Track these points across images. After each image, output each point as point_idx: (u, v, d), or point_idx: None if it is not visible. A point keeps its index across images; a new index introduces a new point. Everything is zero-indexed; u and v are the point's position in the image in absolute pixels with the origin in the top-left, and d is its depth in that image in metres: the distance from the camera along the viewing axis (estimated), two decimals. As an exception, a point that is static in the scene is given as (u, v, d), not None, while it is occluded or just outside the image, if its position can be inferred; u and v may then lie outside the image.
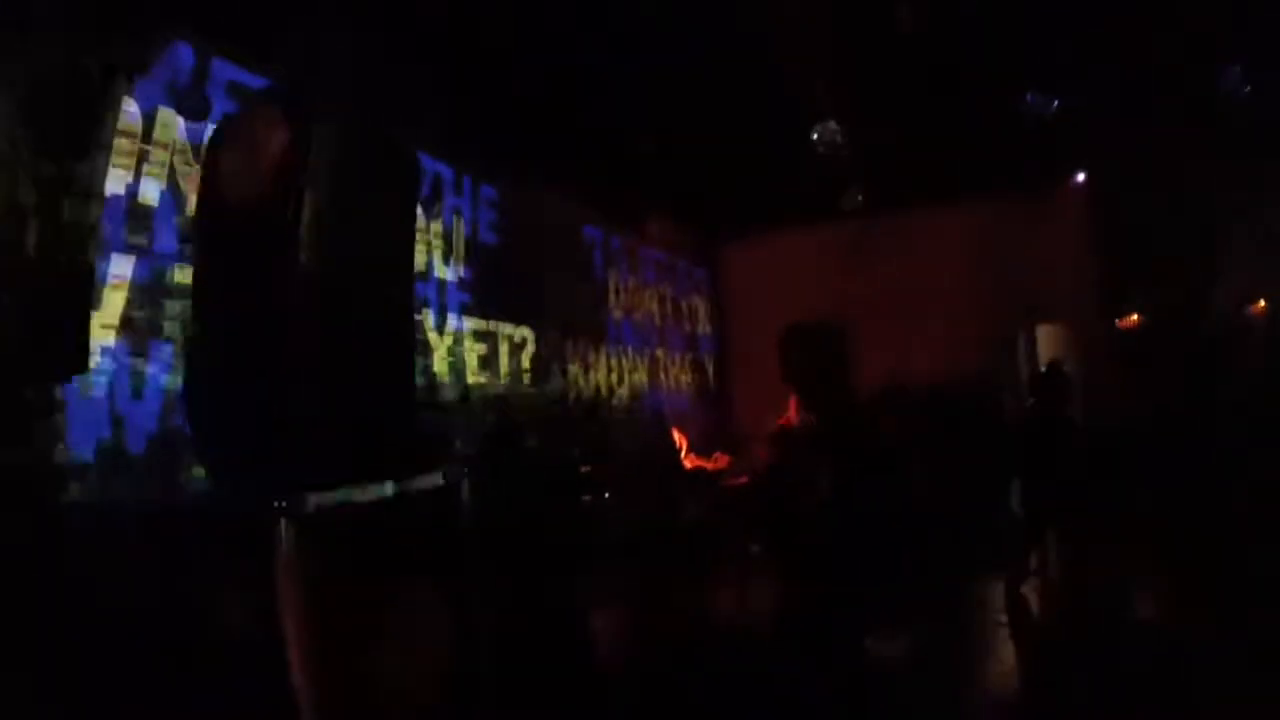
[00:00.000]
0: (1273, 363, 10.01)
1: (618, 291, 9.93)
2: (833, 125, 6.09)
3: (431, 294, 6.51)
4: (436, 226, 6.75)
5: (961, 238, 12.41)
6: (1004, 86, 9.21)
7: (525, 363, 7.61)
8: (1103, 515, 7.15)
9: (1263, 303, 11.08)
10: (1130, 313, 12.72)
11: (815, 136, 6.17)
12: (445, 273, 6.72)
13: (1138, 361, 11.34)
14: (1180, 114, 9.71)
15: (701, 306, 12.87)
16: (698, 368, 12.26)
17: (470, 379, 6.82)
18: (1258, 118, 9.03)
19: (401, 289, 2.82)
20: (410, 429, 2.95)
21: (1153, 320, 12.42)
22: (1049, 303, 12.70)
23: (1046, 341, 13.57)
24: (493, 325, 7.21)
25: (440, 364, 6.44)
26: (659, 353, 10.88)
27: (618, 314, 9.79)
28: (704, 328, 12.82)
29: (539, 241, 8.16)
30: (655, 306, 11.07)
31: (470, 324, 6.90)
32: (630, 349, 10.00)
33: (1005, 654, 5.83)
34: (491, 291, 7.21)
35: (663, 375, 10.90)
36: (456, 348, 6.67)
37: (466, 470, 3.88)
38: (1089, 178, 12.24)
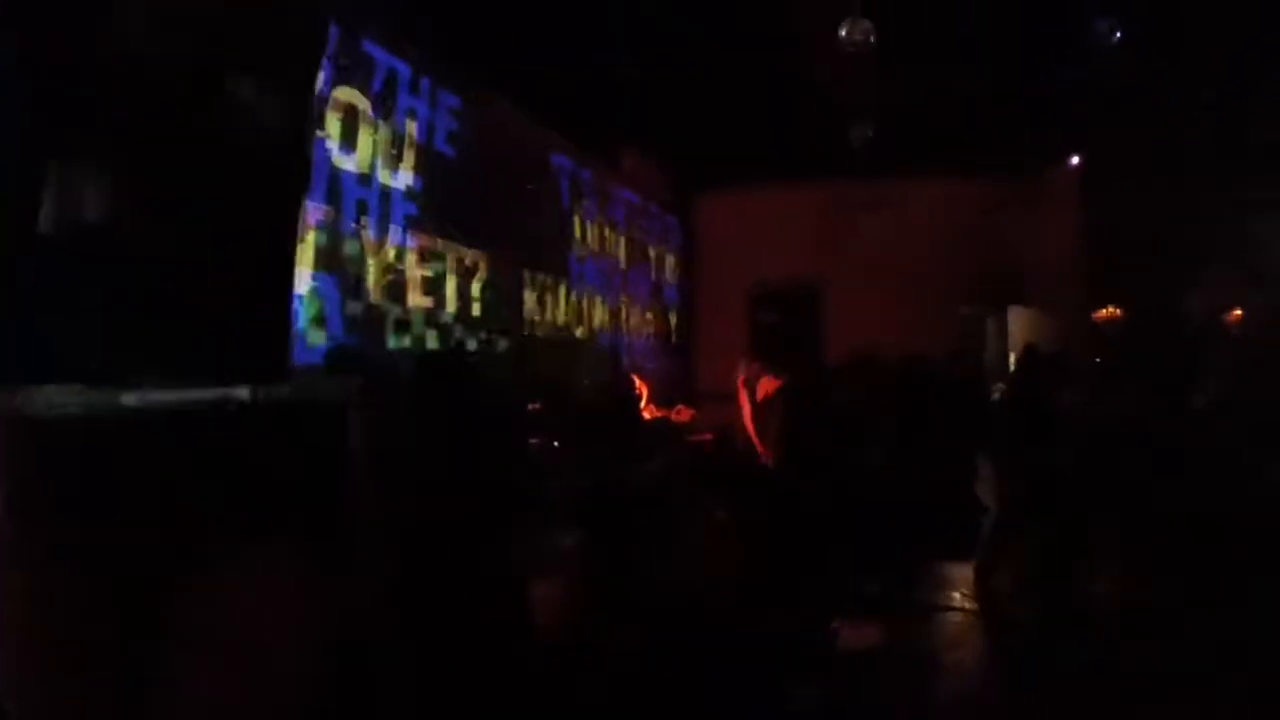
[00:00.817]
0: (1242, 372, 9.86)
1: (584, 228, 9.18)
2: (865, 23, 5.42)
3: (373, 201, 5.75)
4: (386, 128, 5.96)
5: (947, 210, 12.06)
6: (1012, 59, 8.93)
7: (476, 290, 6.88)
8: (1076, 507, 6.89)
9: (1239, 311, 11.01)
10: (1108, 305, 12.57)
11: (843, 33, 5.51)
12: (390, 179, 5.95)
13: (1111, 355, 11.25)
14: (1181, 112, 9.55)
15: (671, 255, 12.19)
16: (662, 318, 11.63)
17: (412, 302, 6.08)
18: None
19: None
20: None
21: (1129, 316, 12.32)
22: (1028, 285, 12.51)
23: (1019, 324, 13.44)
24: (441, 245, 6.45)
25: (377, 281, 5.69)
26: (623, 297, 10.19)
27: (582, 251, 9.06)
28: (671, 278, 12.17)
29: (501, 161, 7.40)
30: (623, 249, 10.36)
31: (416, 240, 6.15)
32: (593, 289, 9.29)
33: (973, 644, 5.63)
34: (443, 208, 6.45)
35: (626, 320, 10.21)
36: (398, 265, 5.92)
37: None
38: (1084, 162, 11.93)
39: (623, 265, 10.30)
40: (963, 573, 6.58)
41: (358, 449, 3.17)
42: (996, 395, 11.07)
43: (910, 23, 7.38)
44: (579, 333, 8.82)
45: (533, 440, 5.08)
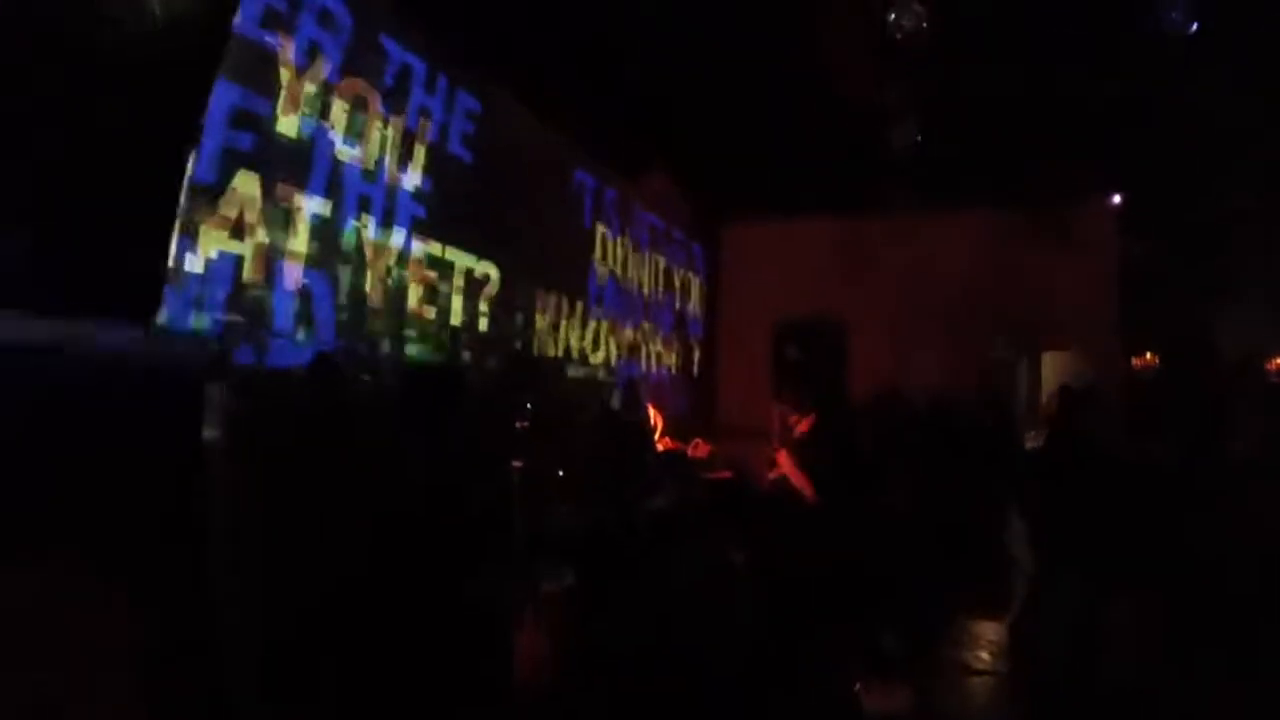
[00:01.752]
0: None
1: (605, 249, 8.81)
2: (917, 6, 5.05)
3: (377, 197, 5.39)
4: (398, 123, 5.63)
5: (978, 246, 11.63)
6: (1052, 92, 8.64)
7: (484, 305, 6.49)
8: (1115, 558, 6.43)
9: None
10: (1145, 349, 12.16)
11: (892, 16, 5.14)
12: (399, 178, 5.59)
13: (1148, 400, 10.85)
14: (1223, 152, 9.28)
15: (694, 285, 11.79)
16: (683, 349, 11.20)
17: (412, 311, 5.70)
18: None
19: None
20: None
21: (1165, 361, 11.92)
22: (1061, 328, 12.07)
23: (1052, 370, 12.94)
24: (449, 253, 6.07)
25: (373, 285, 5.31)
26: (644, 324, 9.77)
27: (602, 273, 8.67)
28: (694, 308, 11.75)
29: (520, 170, 7.05)
30: (645, 274, 9.96)
31: (421, 246, 5.78)
32: (612, 314, 8.88)
33: (1006, 709, 5.12)
34: (453, 213, 6.10)
35: (645, 348, 9.79)
36: (398, 269, 5.54)
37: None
38: (1123, 200, 11.53)
39: (645, 291, 9.90)
40: (993, 629, 6.08)
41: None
42: (1029, 443, 10.63)
43: (953, 37, 7.17)
44: (595, 357, 8.40)
45: (518, 465, 4.61)
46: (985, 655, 5.76)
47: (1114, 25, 6.10)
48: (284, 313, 4.61)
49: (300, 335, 4.67)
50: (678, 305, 11.07)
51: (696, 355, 11.65)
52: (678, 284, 11.10)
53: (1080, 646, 5.61)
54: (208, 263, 4.20)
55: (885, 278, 11.48)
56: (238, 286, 4.35)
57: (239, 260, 4.39)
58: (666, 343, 10.59)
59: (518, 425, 5.00)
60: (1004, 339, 11.85)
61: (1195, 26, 4.10)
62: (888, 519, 6.78)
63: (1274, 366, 11.13)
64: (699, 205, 11.49)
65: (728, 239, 12.47)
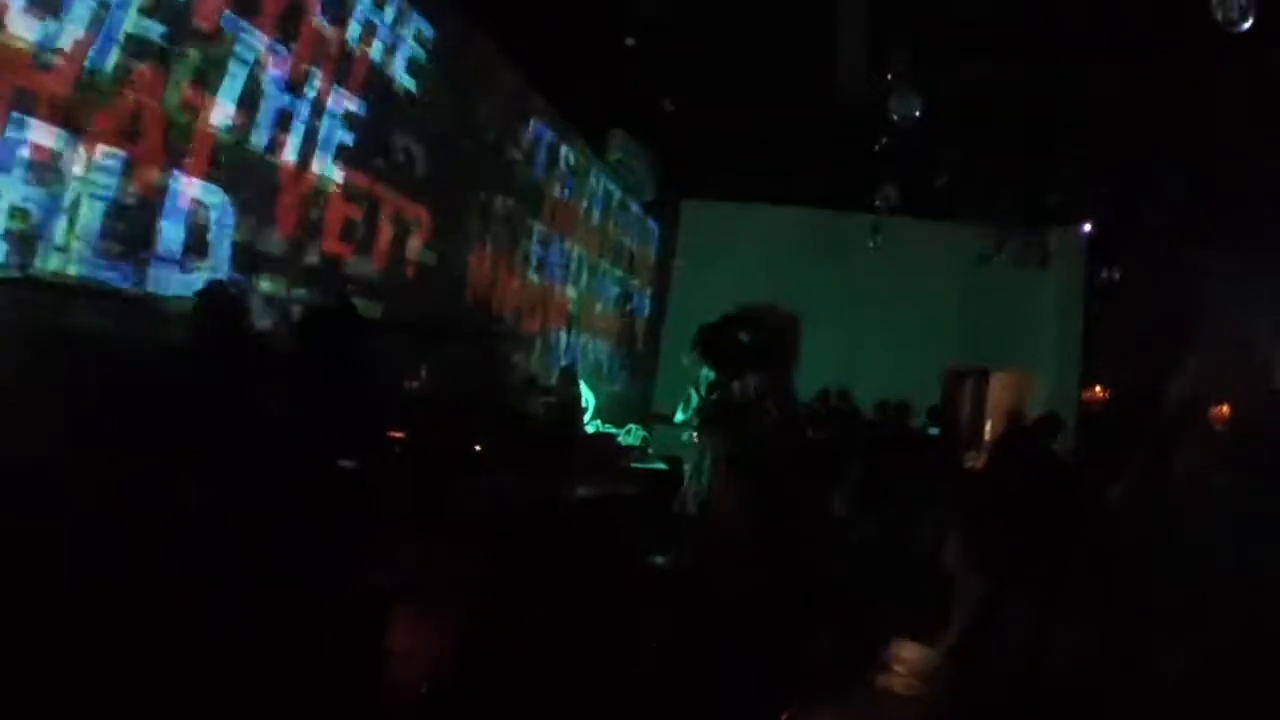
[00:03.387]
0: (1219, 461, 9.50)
1: (554, 208, 8.20)
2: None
3: (300, 113, 4.72)
4: (336, 34, 4.96)
5: (944, 255, 11.36)
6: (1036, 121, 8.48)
7: (411, 252, 5.86)
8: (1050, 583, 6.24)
9: (1225, 408, 10.79)
10: (1098, 378, 12.13)
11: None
12: (328, 96, 4.93)
13: (1094, 432, 10.81)
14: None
15: (647, 260, 11.26)
16: (628, 326, 10.67)
17: (327, 248, 5.05)
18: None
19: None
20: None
21: (1115, 393, 11.91)
22: (1017, 349, 11.97)
23: (1000, 389, 12.84)
24: (377, 188, 5.43)
25: (283, 214, 4.65)
26: (587, 294, 9.21)
27: (548, 233, 8.07)
28: (644, 284, 11.22)
29: (470, 109, 6.43)
30: (595, 242, 9.39)
31: (344, 176, 5.12)
32: (555, 278, 8.30)
33: None
34: (388, 147, 5.46)
35: (585, 320, 9.22)
36: (317, 198, 4.89)
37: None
38: (1095, 229, 11.38)
39: (592, 258, 9.33)
40: (921, 652, 5.76)
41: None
42: (968, 462, 10.42)
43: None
44: (528, 322, 7.81)
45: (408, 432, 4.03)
46: (914, 680, 5.40)
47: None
48: (172, 233, 3.95)
49: (189, 261, 4.02)
50: (626, 280, 10.52)
51: (640, 334, 11.13)
52: (628, 257, 10.55)
53: (1029, 670, 5.34)
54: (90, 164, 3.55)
55: (846, 274, 11.14)
56: (120, 196, 3.70)
57: (125, 165, 3.73)
58: (610, 316, 10.05)
59: (409, 385, 4.43)
60: (958, 355, 11.67)
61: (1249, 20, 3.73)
62: (827, 526, 6.44)
63: (1216, 415, 11.20)
64: (661, 176, 10.95)
65: (688, 216, 11.97)
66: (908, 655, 5.61)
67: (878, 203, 9.12)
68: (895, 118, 6.14)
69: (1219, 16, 3.80)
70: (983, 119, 8.78)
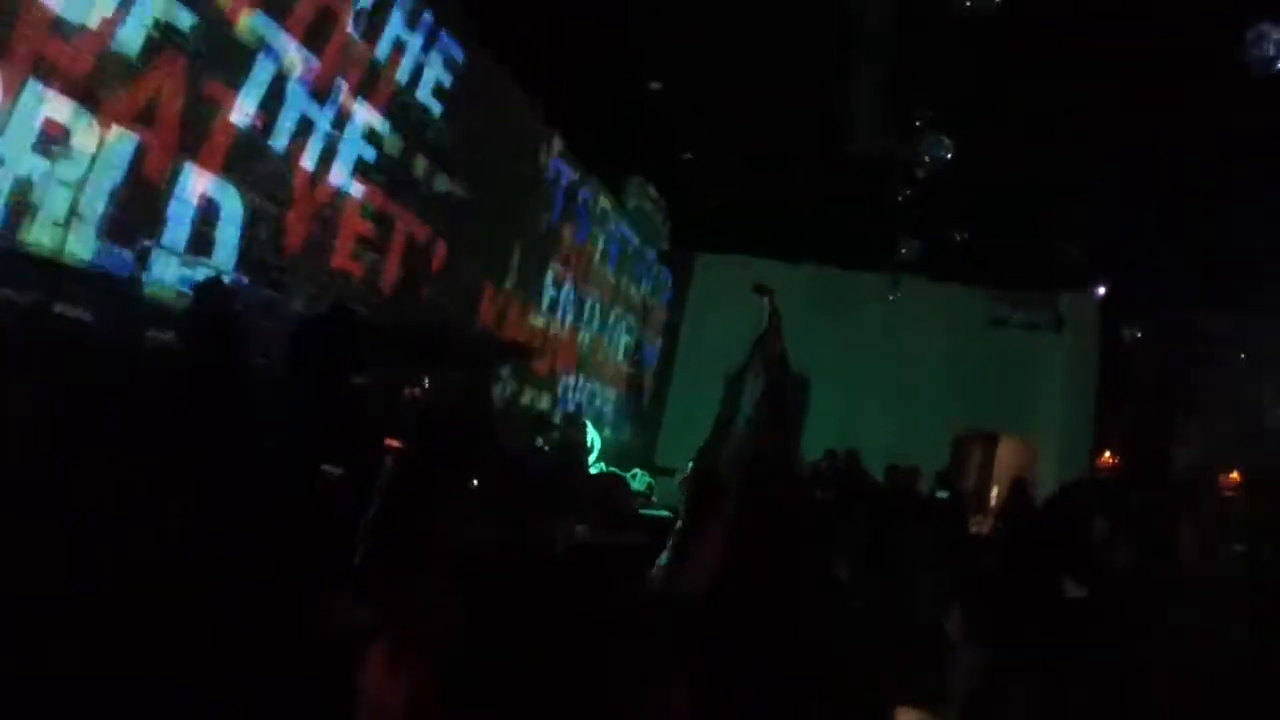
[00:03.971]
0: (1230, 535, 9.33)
1: (570, 251, 8.11)
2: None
3: (322, 123, 4.63)
4: (365, 51, 4.91)
5: (953, 317, 11.24)
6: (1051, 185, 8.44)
7: (419, 278, 5.72)
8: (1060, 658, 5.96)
9: (1235, 474, 10.61)
10: (1110, 447, 11.88)
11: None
12: (353, 110, 4.85)
13: (1106, 502, 10.57)
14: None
15: (658, 311, 11.14)
16: (636, 374, 10.50)
17: (336, 263, 4.92)
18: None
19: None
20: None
21: (1127, 462, 11.66)
22: (1025, 414, 11.74)
23: (1008, 455, 12.59)
24: (394, 208, 5.32)
25: (295, 222, 4.53)
26: (598, 339, 9.06)
27: (563, 274, 7.96)
28: (653, 335, 11.08)
29: (493, 139, 6.36)
30: (608, 287, 9.27)
31: (363, 192, 5.02)
32: (565, 321, 8.16)
33: None
34: (408, 167, 5.37)
35: (594, 365, 9.06)
36: (329, 211, 4.77)
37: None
38: (1109, 292, 11.26)
39: (604, 302, 9.21)
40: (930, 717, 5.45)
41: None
42: (976, 527, 10.15)
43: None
44: (537, 359, 7.64)
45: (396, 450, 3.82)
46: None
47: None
48: (178, 223, 3.82)
49: (193, 254, 3.88)
50: (637, 327, 10.39)
51: (648, 384, 10.95)
52: (639, 305, 10.43)
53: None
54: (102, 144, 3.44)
55: (857, 334, 11.01)
56: (131, 179, 3.58)
57: (139, 149, 3.62)
58: (620, 363, 9.89)
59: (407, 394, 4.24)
60: (967, 418, 11.48)
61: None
62: (830, 590, 6.21)
63: (1225, 483, 10.98)
64: (677, 226, 10.90)
65: (701, 269, 11.88)
66: (912, 721, 5.31)
67: (902, 250, 8.99)
68: (926, 159, 6.05)
69: (1255, 54, 3.72)
70: (995, 180, 8.77)
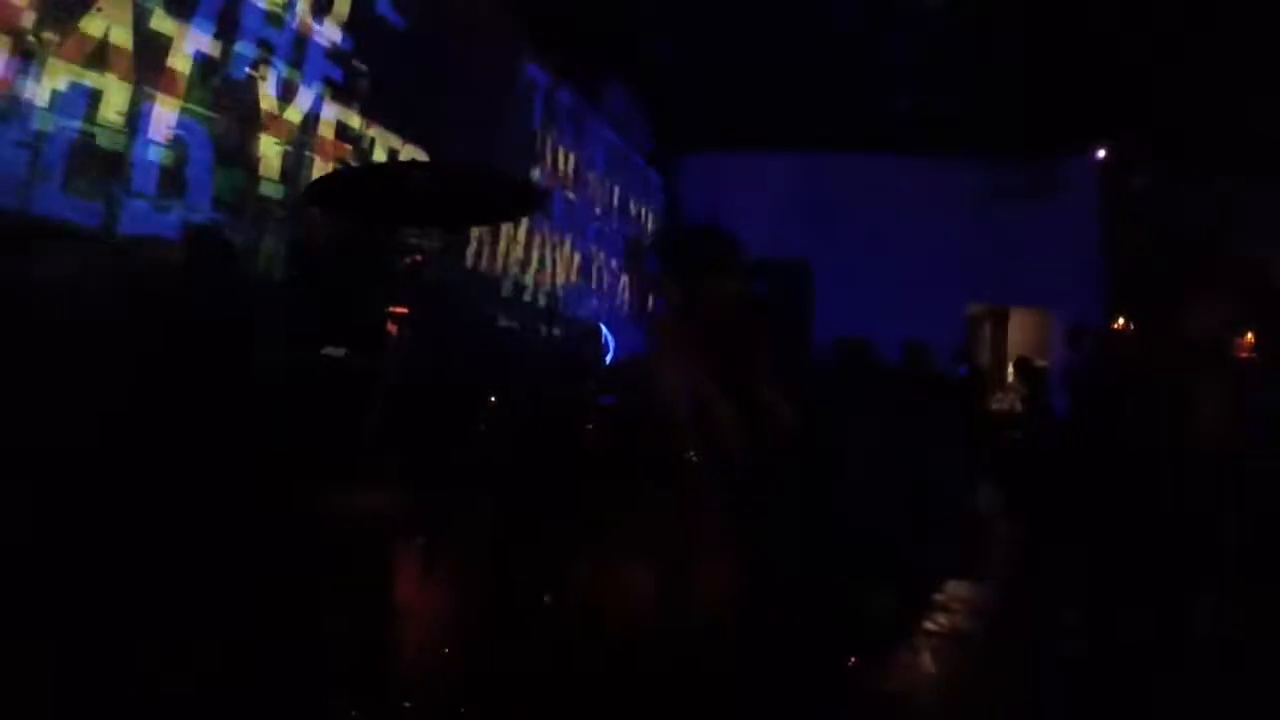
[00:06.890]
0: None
1: (555, 158, 7.84)
2: None
3: (282, 45, 4.37)
4: (311, -37, 4.60)
5: (953, 193, 10.99)
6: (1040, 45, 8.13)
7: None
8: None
9: (1250, 336, 10.49)
10: (1120, 314, 11.77)
11: None
12: (312, 28, 4.57)
13: (1119, 372, 10.50)
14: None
15: (650, 216, 10.90)
16: (639, 284, 10.32)
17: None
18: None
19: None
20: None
21: (1140, 330, 11.57)
22: (1034, 286, 11.57)
23: (1020, 328, 12.52)
24: (368, 126, 5.08)
25: (267, 150, 4.32)
26: (595, 248, 8.85)
27: (550, 184, 7.72)
28: (650, 239, 10.86)
29: (461, 49, 6.06)
30: (598, 194, 9.02)
31: (334, 113, 4.78)
32: (560, 232, 7.94)
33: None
34: (376, 84, 5.11)
35: (595, 276, 8.88)
36: (302, 136, 4.55)
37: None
38: (1109, 154, 10.99)
39: (597, 211, 8.97)
40: (963, 590, 5.49)
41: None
42: (993, 404, 10.11)
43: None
44: (535, 277, 7.45)
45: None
46: (962, 619, 5.12)
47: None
48: (146, 168, 3.62)
49: (166, 198, 3.69)
50: (631, 233, 10.16)
51: (650, 291, 10.78)
52: (634, 212, 10.18)
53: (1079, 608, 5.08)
54: (54, 95, 3.23)
55: (854, 220, 10.79)
56: (89, 127, 3.37)
57: (95, 95, 3.40)
58: (620, 273, 9.70)
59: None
60: (976, 292, 11.35)
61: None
62: (856, 473, 6.18)
63: (1242, 346, 10.91)
64: (659, 128, 10.58)
65: (689, 169, 11.59)
66: (962, 594, 5.33)
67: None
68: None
69: None
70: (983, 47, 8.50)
